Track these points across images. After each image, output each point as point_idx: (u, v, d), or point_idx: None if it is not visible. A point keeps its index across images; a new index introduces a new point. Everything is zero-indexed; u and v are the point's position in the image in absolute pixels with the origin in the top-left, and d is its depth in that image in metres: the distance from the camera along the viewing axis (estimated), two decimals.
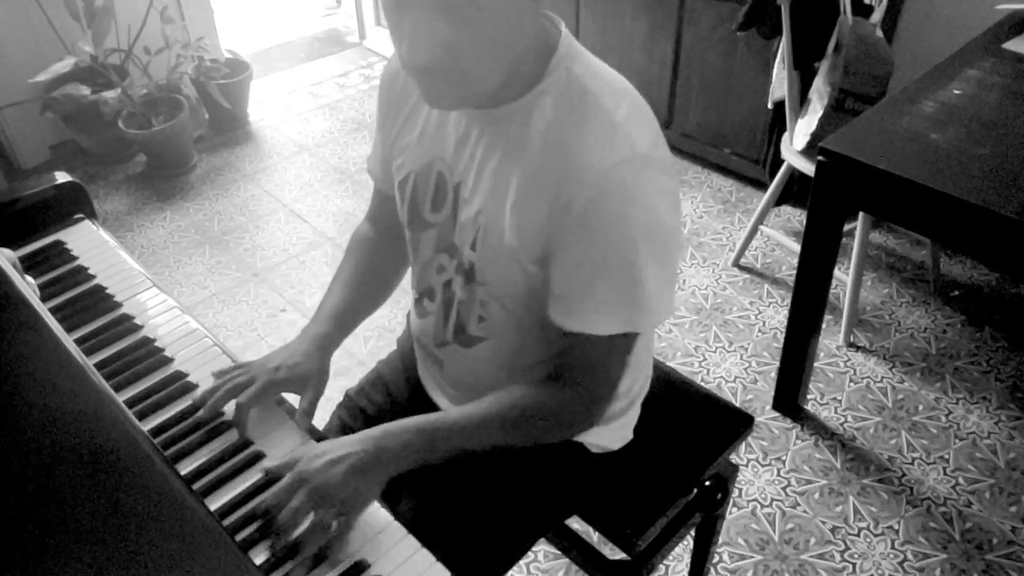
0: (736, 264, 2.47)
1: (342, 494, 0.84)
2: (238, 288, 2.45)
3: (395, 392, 1.22)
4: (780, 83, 2.22)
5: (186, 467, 0.92)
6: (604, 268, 0.85)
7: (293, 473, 0.85)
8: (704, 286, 2.39)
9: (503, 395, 0.96)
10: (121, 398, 0.95)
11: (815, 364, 2.08)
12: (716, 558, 1.66)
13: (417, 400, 1.17)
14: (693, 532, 1.38)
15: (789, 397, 1.96)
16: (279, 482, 0.86)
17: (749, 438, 1.91)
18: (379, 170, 1.12)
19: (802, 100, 2.14)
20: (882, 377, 2.07)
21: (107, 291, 1.17)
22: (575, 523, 1.29)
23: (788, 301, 1.90)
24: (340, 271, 1.15)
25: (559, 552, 1.36)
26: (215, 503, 0.88)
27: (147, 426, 0.96)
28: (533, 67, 0.86)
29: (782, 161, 2.22)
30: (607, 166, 0.82)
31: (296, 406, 1.01)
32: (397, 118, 1.03)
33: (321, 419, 1.11)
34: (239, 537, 0.84)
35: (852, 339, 2.18)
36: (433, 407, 1.14)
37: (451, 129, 0.95)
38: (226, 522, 0.86)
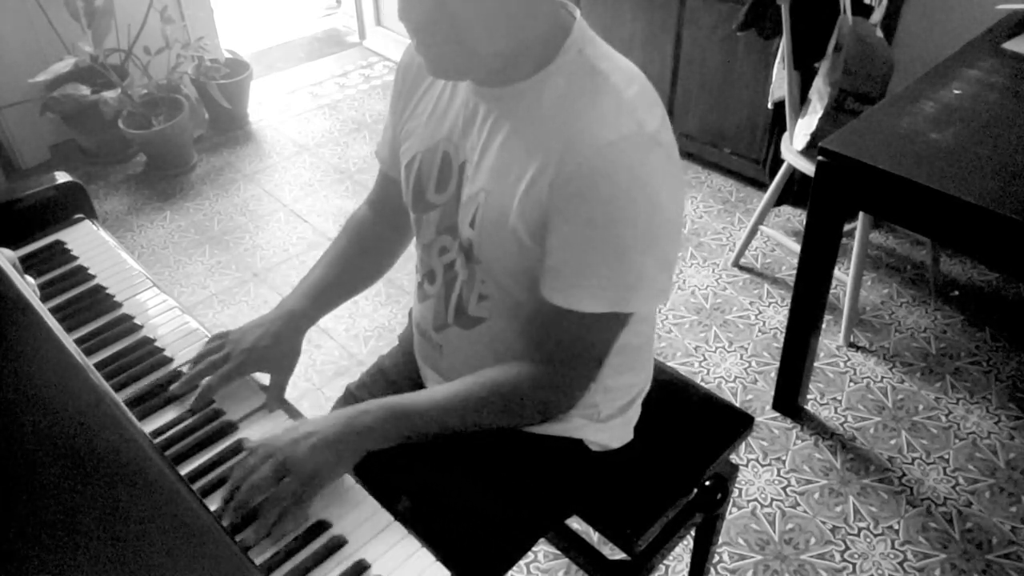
0: (736, 264, 2.47)
1: (307, 467, 0.84)
2: (238, 288, 2.45)
3: (396, 386, 1.21)
4: (780, 83, 2.22)
5: (186, 467, 0.92)
6: (597, 243, 0.84)
7: (262, 445, 0.87)
8: (704, 286, 2.39)
9: (479, 375, 0.96)
10: (121, 398, 0.95)
11: (815, 364, 2.08)
12: (716, 558, 1.66)
13: None
14: (693, 532, 1.38)
15: (789, 397, 1.96)
16: (248, 454, 0.87)
17: (749, 438, 1.91)
18: (386, 152, 1.13)
19: (802, 100, 2.14)
20: (882, 377, 2.07)
21: (107, 291, 1.17)
22: (575, 523, 1.29)
23: (788, 301, 1.90)
24: (331, 248, 1.16)
25: (559, 552, 1.36)
26: (215, 503, 0.88)
27: (147, 426, 0.96)
28: (545, 49, 0.87)
29: (782, 161, 2.22)
30: (611, 140, 0.82)
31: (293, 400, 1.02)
32: (409, 102, 1.04)
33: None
34: (239, 537, 0.84)
35: (852, 339, 2.18)
36: None
37: (460, 109, 0.95)
38: (226, 522, 0.86)
